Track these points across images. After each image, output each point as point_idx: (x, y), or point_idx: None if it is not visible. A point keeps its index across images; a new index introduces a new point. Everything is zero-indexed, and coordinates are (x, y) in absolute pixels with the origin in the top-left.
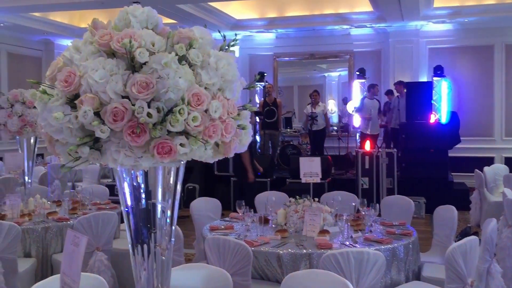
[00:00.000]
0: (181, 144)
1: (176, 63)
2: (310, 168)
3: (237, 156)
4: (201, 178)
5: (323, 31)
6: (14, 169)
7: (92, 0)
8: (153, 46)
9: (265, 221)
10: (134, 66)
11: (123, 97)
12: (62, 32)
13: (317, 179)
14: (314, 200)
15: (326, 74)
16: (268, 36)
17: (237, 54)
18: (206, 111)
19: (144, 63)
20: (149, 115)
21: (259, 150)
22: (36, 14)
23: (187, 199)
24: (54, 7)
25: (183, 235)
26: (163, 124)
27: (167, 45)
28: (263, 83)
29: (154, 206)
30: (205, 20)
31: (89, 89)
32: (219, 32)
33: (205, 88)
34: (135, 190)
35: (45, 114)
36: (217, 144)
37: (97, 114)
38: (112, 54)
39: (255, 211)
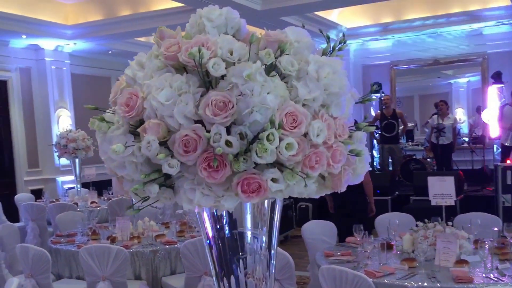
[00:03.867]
0: (273, 179)
1: (263, 75)
2: (442, 189)
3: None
4: None
5: (449, 33)
6: (121, 192)
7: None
8: (231, 55)
9: (388, 247)
10: (210, 82)
11: (196, 121)
12: None
13: (451, 202)
14: (447, 224)
15: (452, 81)
16: (383, 44)
17: (349, 65)
18: (305, 135)
19: (223, 77)
20: (228, 143)
21: (378, 167)
22: (141, 39)
23: (299, 218)
24: (154, 31)
25: (297, 256)
26: (248, 155)
27: (250, 53)
28: (379, 95)
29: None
30: (312, 32)
31: (154, 114)
32: (321, 31)
33: (303, 105)
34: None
35: (104, 146)
36: (322, 177)
37: (164, 144)
38: (183, 68)
39: (375, 236)
